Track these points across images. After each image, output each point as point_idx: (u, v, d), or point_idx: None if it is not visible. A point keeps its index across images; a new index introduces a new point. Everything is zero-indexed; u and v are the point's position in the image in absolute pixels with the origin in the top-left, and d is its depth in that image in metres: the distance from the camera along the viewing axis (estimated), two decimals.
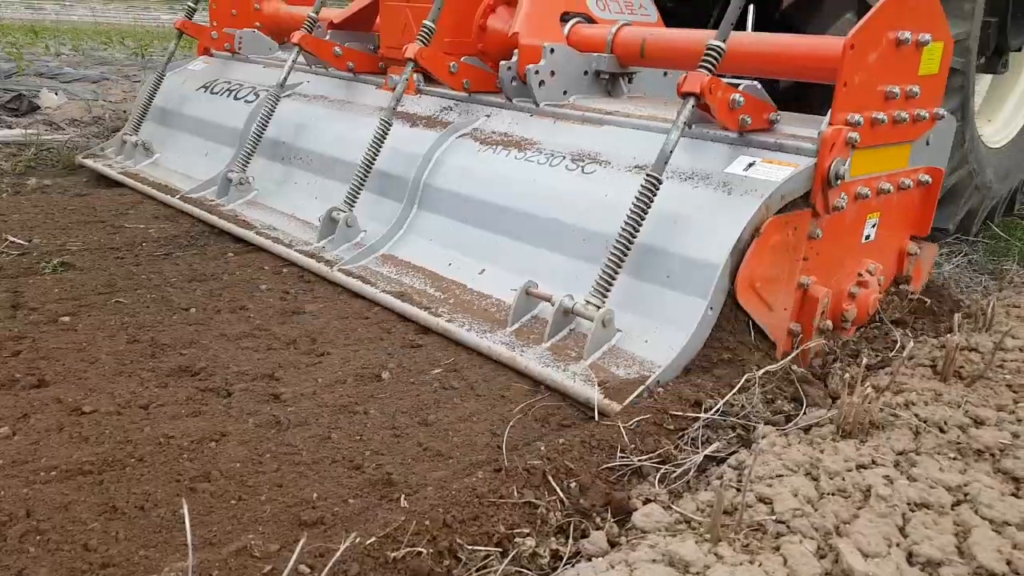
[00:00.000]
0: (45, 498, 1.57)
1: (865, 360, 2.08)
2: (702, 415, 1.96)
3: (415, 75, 3.42)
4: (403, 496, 1.60)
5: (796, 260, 2.30)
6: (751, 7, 4.00)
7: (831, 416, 1.94)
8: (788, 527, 1.47)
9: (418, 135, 3.27)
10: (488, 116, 3.24)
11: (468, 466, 1.74)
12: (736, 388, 2.05)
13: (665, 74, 3.41)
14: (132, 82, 7.60)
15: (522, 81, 3.10)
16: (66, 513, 1.53)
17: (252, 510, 1.57)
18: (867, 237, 2.58)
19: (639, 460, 1.77)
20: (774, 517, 1.49)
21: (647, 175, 2.27)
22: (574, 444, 1.78)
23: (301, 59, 3.87)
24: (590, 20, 3.29)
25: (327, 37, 3.92)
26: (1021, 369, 2.24)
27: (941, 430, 1.86)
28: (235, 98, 4.19)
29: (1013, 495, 1.61)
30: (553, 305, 2.33)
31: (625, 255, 2.27)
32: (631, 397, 2.00)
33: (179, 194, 3.77)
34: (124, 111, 5.83)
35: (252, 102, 4.07)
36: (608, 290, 2.27)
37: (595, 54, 3.16)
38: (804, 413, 2.01)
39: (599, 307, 2.24)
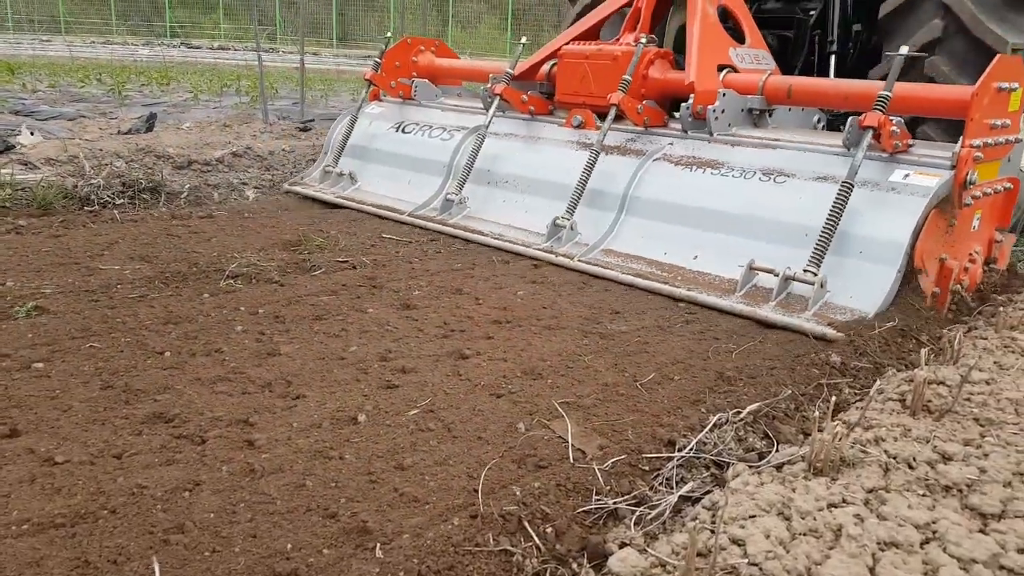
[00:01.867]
0: (16, 553, 1.55)
1: (834, 399, 2.11)
2: (676, 454, 1.98)
3: (594, 114, 4.50)
4: (378, 545, 1.60)
5: (941, 241, 3.25)
6: (832, 57, 5.10)
7: (803, 453, 1.96)
8: (761, 570, 1.49)
9: (618, 160, 4.21)
10: (671, 144, 4.18)
11: (444, 512, 1.74)
12: (709, 426, 2.08)
13: (789, 110, 4.45)
14: (109, 119, 7.58)
15: (696, 117, 4.08)
16: (38, 569, 1.51)
17: (226, 562, 1.56)
18: (974, 227, 3.50)
19: (614, 502, 1.78)
20: (747, 560, 1.51)
21: (843, 182, 3.24)
22: (550, 488, 1.79)
23: (465, 102, 5.27)
24: (734, 69, 4.33)
25: (509, 85, 4.78)
26: (987, 402, 2.29)
27: (910, 466, 1.90)
28: (430, 136, 5.08)
29: (980, 531, 1.64)
30: (776, 275, 3.23)
31: (831, 237, 3.20)
32: (883, 317, 3.03)
33: (406, 212, 4.63)
34: (101, 149, 5.81)
35: (448, 140, 4.96)
36: (820, 262, 3.18)
37: (748, 96, 4.15)
38: (776, 450, 2.04)
39: (816, 274, 3.14)
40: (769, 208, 3.54)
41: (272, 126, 7.69)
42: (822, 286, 3.16)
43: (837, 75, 4.99)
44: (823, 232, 3.21)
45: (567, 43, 4.71)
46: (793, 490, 1.78)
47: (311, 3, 30.17)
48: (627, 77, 4.18)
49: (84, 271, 3.36)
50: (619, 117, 4.27)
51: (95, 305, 2.96)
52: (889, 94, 3.34)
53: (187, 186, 5.14)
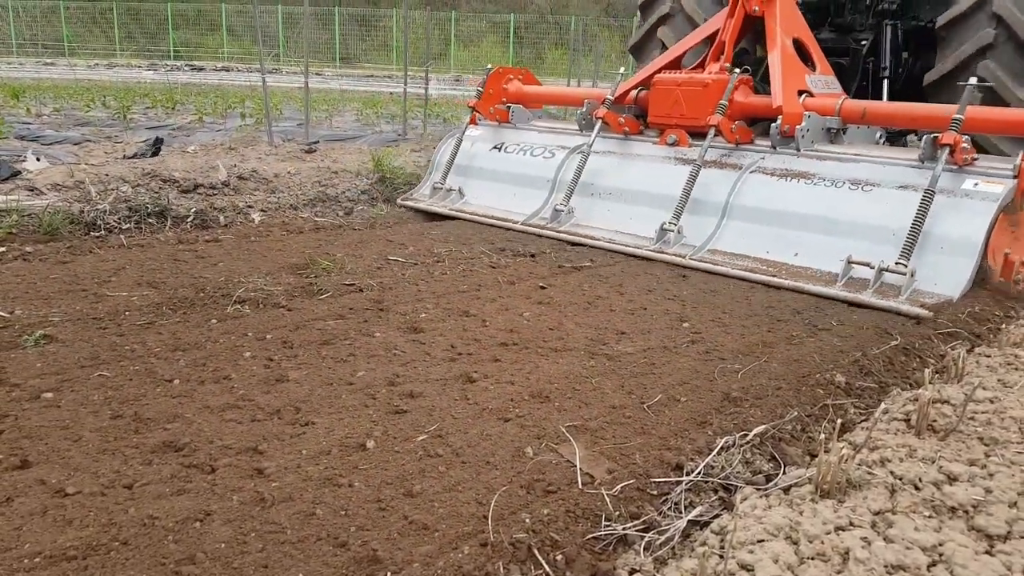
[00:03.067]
0: None
1: (840, 420, 2.12)
2: (684, 478, 1.99)
3: (686, 132, 5.19)
4: (389, 574, 1.61)
5: (1005, 239, 3.88)
6: (885, 82, 5.93)
7: (809, 475, 1.97)
8: None
9: (716, 173, 4.84)
10: (763, 158, 4.80)
11: (454, 539, 1.75)
12: (716, 450, 2.09)
13: (857, 127, 5.10)
14: (114, 143, 7.63)
15: (783, 136, 4.71)
16: None
17: None
18: None
19: (624, 528, 1.79)
20: None
21: (926, 190, 3.87)
22: (559, 514, 1.80)
23: (552, 124, 6.20)
24: (810, 94, 5.00)
25: (606, 108, 5.46)
26: (992, 421, 2.29)
27: (916, 488, 1.90)
28: (531, 155, 5.75)
29: (987, 553, 1.65)
30: (872, 268, 3.84)
31: (918, 236, 3.80)
32: (967, 295, 3.75)
33: (519, 222, 5.26)
34: (107, 174, 5.85)
35: (550, 158, 5.63)
36: (910, 256, 3.79)
37: (827, 117, 4.82)
38: (783, 473, 2.05)
39: (906, 266, 3.77)
40: (859, 212, 4.16)
41: (277, 148, 7.74)
42: (912, 275, 3.78)
43: (889, 98, 5.84)
44: (911, 231, 3.83)
45: (657, 72, 5.44)
46: (801, 513, 1.79)
47: (315, 24, 30.43)
48: (724, 102, 4.88)
49: (92, 298, 3.39)
50: (694, 134, 5.00)
51: (103, 333, 2.99)
52: (962, 117, 4.03)
53: (193, 210, 5.18)
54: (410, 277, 4.00)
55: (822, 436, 2.14)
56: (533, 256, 4.61)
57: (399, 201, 6.05)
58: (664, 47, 6.56)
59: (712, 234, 4.60)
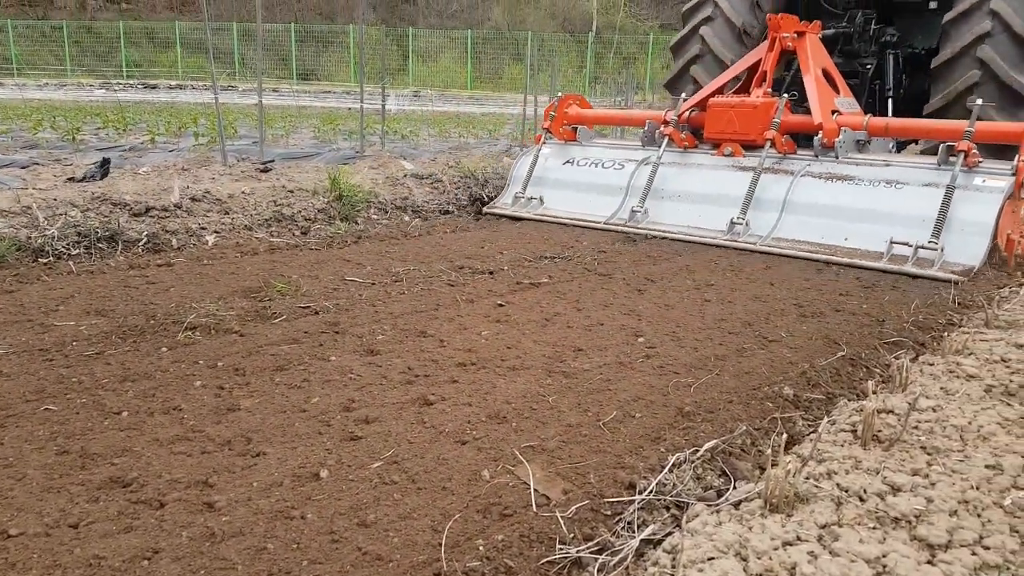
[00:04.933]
0: None
1: (786, 435, 2.17)
2: (637, 497, 2.01)
3: (739, 145, 6.30)
4: None
5: (1008, 223, 4.94)
6: (889, 100, 7.40)
7: (759, 490, 2.01)
8: None
9: (772, 177, 5.93)
10: (809, 165, 5.90)
11: (408, 570, 1.74)
12: (668, 467, 2.11)
13: (877, 139, 6.21)
14: (64, 166, 7.46)
15: (823, 147, 5.86)
16: None
17: None
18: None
19: (577, 551, 1.80)
20: None
21: (948, 186, 5.04)
22: (513, 539, 1.80)
23: (610, 142, 7.66)
24: (839, 113, 6.09)
25: (671, 127, 6.64)
26: (934, 430, 2.36)
27: (861, 499, 1.95)
28: (603, 168, 6.82)
29: (928, 563, 1.70)
30: (910, 246, 4.92)
31: (944, 221, 4.92)
32: (981, 263, 4.90)
33: (601, 222, 6.30)
34: (55, 198, 5.72)
35: (620, 169, 6.70)
36: (939, 236, 4.90)
37: (857, 131, 5.96)
38: (734, 487, 2.09)
39: (937, 243, 4.89)
40: (894, 205, 5.26)
41: (231, 168, 7.64)
42: (942, 251, 4.86)
43: (893, 114, 7.19)
44: (938, 217, 4.95)
45: (709, 96, 6.58)
46: (750, 529, 1.82)
47: (271, 40, 30.16)
48: (777, 120, 6.02)
49: (38, 328, 3.30)
50: (760, 147, 6.05)
51: (50, 365, 2.91)
52: (972, 129, 5.22)
53: (145, 233, 5.09)
54: (367, 298, 3.98)
55: (770, 450, 2.18)
56: (491, 273, 4.63)
57: (485, 209, 6.94)
58: (695, 82, 7.89)
59: (775, 225, 5.65)
